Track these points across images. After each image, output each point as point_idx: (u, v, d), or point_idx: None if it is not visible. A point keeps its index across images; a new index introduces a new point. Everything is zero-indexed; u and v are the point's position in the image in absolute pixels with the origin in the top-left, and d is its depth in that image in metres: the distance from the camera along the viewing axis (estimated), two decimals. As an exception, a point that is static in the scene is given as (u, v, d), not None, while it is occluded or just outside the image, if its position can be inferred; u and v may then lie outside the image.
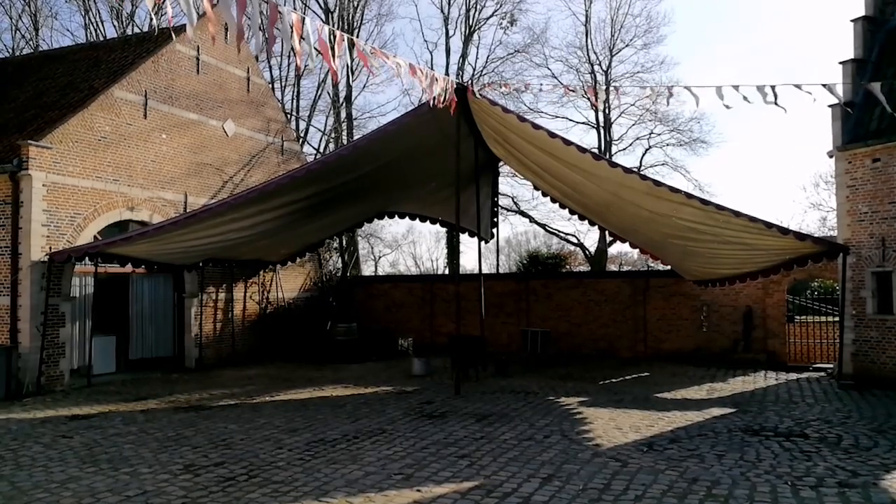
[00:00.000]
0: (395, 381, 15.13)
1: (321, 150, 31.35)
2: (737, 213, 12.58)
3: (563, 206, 18.54)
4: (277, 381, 15.30)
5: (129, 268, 15.36)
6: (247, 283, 19.65)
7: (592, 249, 34.26)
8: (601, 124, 33.30)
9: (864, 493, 6.69)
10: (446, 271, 33.60)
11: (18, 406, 12.28)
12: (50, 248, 13.97)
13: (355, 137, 29.48)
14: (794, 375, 15.39)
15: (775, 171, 55.66)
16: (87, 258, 14.04)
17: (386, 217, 20.19)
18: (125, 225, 15.90)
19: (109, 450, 8.87)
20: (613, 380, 15.07)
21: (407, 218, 20.31)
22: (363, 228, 29.48)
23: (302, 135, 30.94)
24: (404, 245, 52.30)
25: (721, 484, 7.08)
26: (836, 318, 15.59)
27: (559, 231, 34.42)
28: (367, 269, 38.30)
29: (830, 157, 14.88)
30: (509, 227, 47.91)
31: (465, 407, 11.79)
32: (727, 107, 10.68)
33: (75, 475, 7.68)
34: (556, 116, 35.80)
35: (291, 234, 17.73)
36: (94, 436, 9.74)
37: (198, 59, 18.00)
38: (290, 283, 21.09)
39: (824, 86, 10.38)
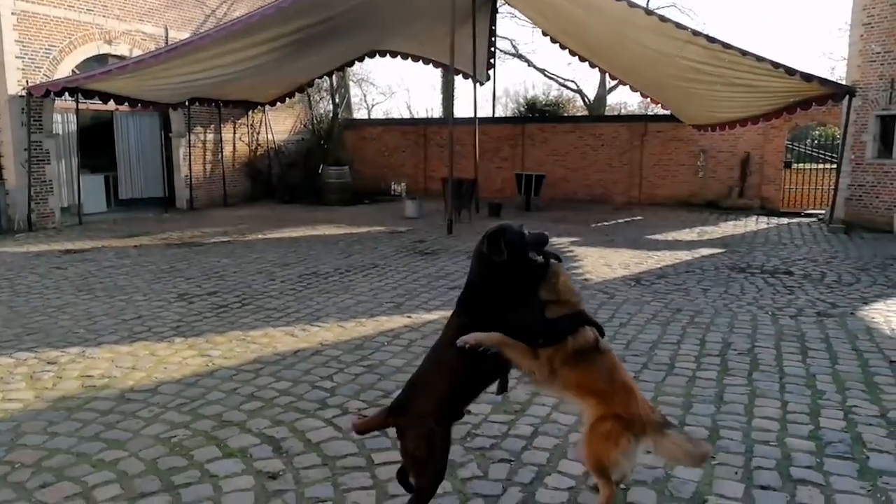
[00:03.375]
0: (387, 222, 15.19)
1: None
2: (743, 53, 12.07)
3: (563, 47, 17.72)
4: (269, 221, 15.34)
5: (112, 105, 14.85)
6: (235, 125, 19.20)
7: (592, 97, 33.44)
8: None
9: (840, 322, 6.87)
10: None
11: (11, 240, 12.33)
12: (27, 81, 13.42)
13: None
14: (785, 220, 15.50)
15: (786, 17, 53.20)
16: (66, 93, 13.51)
17: (377, 56, 19.32)
18: (104, 59, 15.18)
19: (104, 280, 8.98)
20: (606, 223, 15.16)
21: (399, 57, 19.46)
22: (356, 71, 28.51)
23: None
24: (398, 92, 50.93)
25: (703, 313, 7.24)
26: (834, 166, 15.45)
27: (558, 76, 33.45)
28: (360, 117, 37.43)
29: (848, -8, 14.06)
30: (507, 75, 46.39)
31: (456, 245, 11.89)
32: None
33: (72, 301, 7.80)
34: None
35: (279, 72, 17.02)
36: (88, 268, 9.83)
37: None
38: (279, 125, 20.61)
39: None
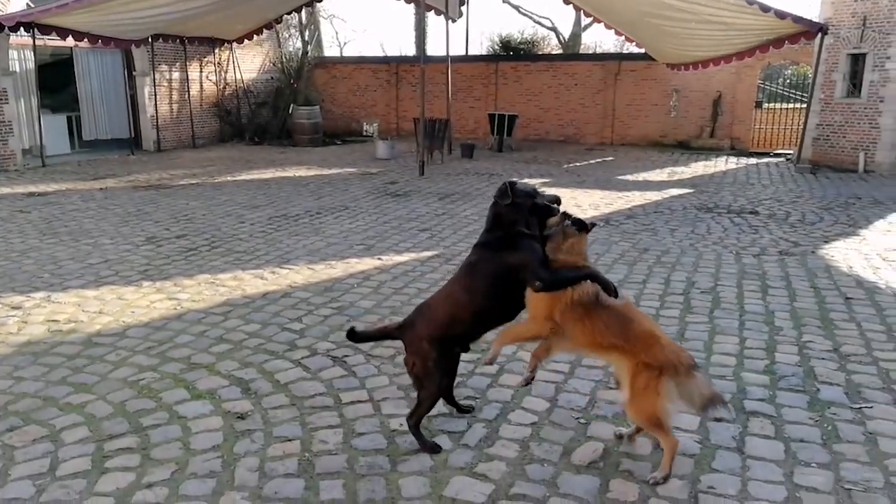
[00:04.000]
0: (359, 163, 15.05)
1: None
2: (718, -12, 11.99)
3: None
4: (239, 162, 15.11)
5: (70, 41, 14.30)
6: (202, 63, 18.65)
7: (566, 35, 32.95)
8: None
9: (801, 260, 7.03)
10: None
11: (-28, 184, 12.03)
12: (-21, 16, 12.86)
13: None
14: (754, 160, 15.63)
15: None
16: (21, 28, 12.95)
17: (347, -9, 18.77)
18: (60, -8, 14.55)
19: (69, 223, 8.83)
20: (578, 163, 15.17)
21: (370, -8, 18.91)
22: (326, 7, 27.68)
23: None
24: (371, 29, 49.76)
25: (670, 253, 7.36)
26: (804, 105, 15.52)
27: (533, 14, 32.83)
28: (331, 55, 36.54)
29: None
30: (481, 14, 45.44)
31: (428, 187, 11.84)
32: None
33: (36, 245, 7.68)
34: None
35: (246, 7, 16.48)
36: (52, 211, 9.64)
37: None
38: (247, 63, 20.07)
39: None
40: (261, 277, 6.45)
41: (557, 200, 3.41)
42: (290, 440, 3.50)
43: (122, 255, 7.28)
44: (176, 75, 17.85)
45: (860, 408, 3.80)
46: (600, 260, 7.07)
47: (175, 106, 17.89)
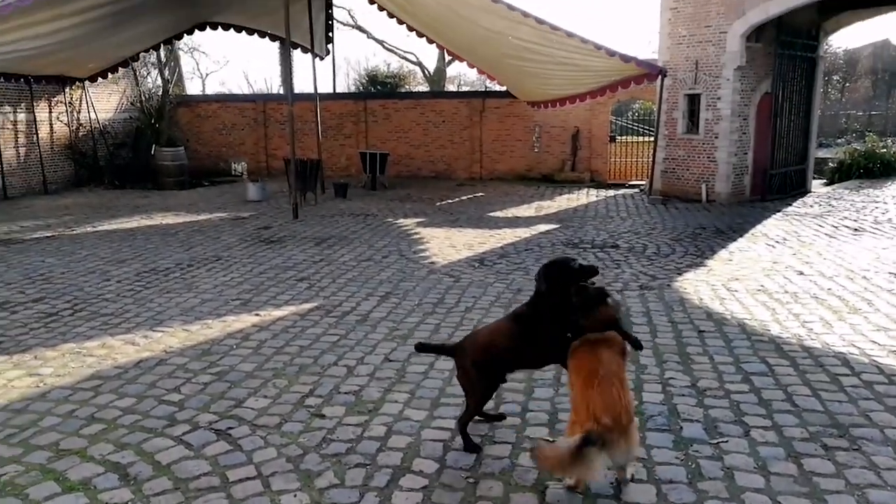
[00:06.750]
0: (229, 207, 14.66)
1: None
2: (570, 34, 12.83)
3: (400, 22, 17.77)
4: (99, 210, 14.28)
5: None
6: (51, 103, 17.52)
7: (431, 69, 33.86)
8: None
9: (659, 294, 7.63)
10: (281, 91, 31.92)
11: None
12: None
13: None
14: (612, 192, 16.72)
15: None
16: None
17: (208, 28, 18.31)
18: None
19: None
20: (450, 201, 15.58)
21: (232, 30, 18.57)
22: (185, 41, 26.86)
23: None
24: (233, 60, 48.74)
25: (542, 293, 7.73)
26: (652, 138, 16.83)
27: (397, 49, 33.49)
28: (193, 88, 35.46)
29: (658, -21, 15.21)
30: (346, 45, 45.73)
31: (303, 231, 11.75)
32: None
33: None
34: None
35: (98, 45, 15.74)
36: None
37: None
38: (103, 102, 19.07)
39: None
40: (132, 343, 6.16)
41: (594, 271, 3.97)
42: (177, 530, 3.38)
43: (-30, 326, 6.70)
44: (22, 116, 16.66)
45: (717, 443, 4.19)
46: (477, 303, 7.32)
47: (22, 149, 16.66)
